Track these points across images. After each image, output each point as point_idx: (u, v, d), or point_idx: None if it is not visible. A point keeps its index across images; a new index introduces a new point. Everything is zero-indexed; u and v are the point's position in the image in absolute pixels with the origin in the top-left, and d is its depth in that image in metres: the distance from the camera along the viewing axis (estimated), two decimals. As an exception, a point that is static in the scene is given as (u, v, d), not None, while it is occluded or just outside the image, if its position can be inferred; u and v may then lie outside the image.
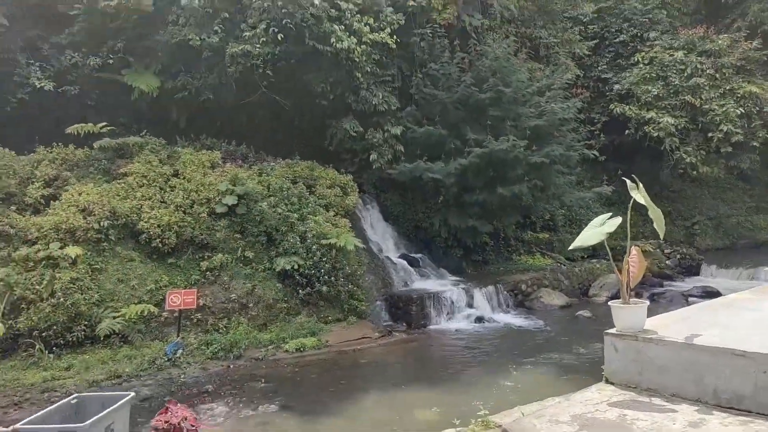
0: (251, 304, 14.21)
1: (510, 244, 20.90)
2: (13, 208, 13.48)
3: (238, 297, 14.14)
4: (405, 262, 18.02)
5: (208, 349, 12.61)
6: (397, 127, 18.46)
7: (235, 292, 14.21)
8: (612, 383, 5.67)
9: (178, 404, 4.00)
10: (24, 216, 13.32)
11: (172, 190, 14.80)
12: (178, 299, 12.58)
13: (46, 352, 11.81)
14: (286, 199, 15.75)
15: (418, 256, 18.72)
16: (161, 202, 14.51)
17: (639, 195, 5.92)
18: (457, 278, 18.20)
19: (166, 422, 3.85)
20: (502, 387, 10.26)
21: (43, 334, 11.95)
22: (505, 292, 17.25)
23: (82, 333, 12.30)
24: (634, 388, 5.45)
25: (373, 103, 17.81)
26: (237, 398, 10.16)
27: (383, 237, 18.97)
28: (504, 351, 12.88)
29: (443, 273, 18.46)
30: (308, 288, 14.76)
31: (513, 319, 15.94)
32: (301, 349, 13.03)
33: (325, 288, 14.74)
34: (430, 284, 17.33)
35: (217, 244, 14.63)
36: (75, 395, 3.24)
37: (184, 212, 14.53)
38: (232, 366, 12.17)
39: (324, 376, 11.36)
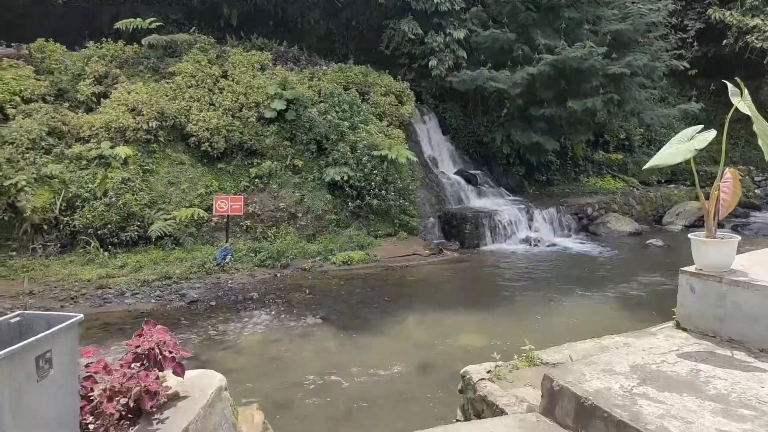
0: (300, 214, 13.96)
1: (578, 164, 19.45)
2: (66, 104, 13.44)
3: (286, 206, 13.89)
4: (462, 179, 17.12)
5: (256, 256, 12.57)
6: (460, 30, 16.86)
7: (283, 200, 13.95)
8: (684, 329, 4.86)
9: (157, 326, 3.51)
10: (76, 113, 13.28)
11: (220, 92, 14.31)
12: (225, 205, 12.43)
13: (102, 249, 12.10)
14: (337, 106, 14.96)
15: (476, 172, 17.72)
16: (210, 104, 14.09)
17: (743, 103, 4.72)
18: (517, 198, 17.20)
19: (136, 347, 3.40)
20: (555, 317, 9.60)
21: (99, 232, 12.18)
22: (569, 216, 16.18)
23: (135, 233, 12.47)
24: (713, 337, 4.62)
25: (435, 1, 16.21)
26: (280, 307, 10.06)
27: (439, 151, 18.00)
28: (561, 278, 12.10)
29: (502, 192, 17.48)
30: (358, 200, 14.29)
31: (575, 245, 14.99)
32: (349, 262, 12.77)
33: (375, 201, 14.22)
34: (488, 203, 16.47)
35: (265, 151, 14.24)
36: (18, 312, 2.84)
37: (233, 116, 14.09)
38: (278, 275, 12.10)
39: (369, 292, 11.07)
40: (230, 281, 11.57)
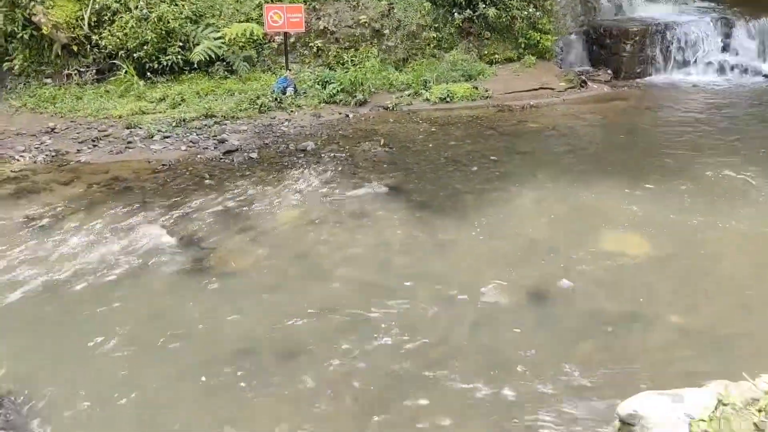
0: (387, 31, 10.39)
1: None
2: None
3: (369, 20, 10.32)
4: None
5: (324, 89, 9.50)
6: None
7: (365, 12, 10.34)
8: None
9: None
10: None
11: None
12: (281, 17, 9.10)
13: (139, 77, 9.68)
14: None
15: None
16: None
17: None
18: (709, 3, 11.76)
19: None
20: (749, 205, 5.68)
21: (135, 55, 9.67)
22: (790, 30, 10.76)
23: (179, 57, 9.76)
24: None
25: None
26: (339, 167, 7.15)
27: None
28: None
29: (685, -6, 12.09)
30: (468, 10, 10.33)
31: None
32: (448, 98, 9.33)
33: (492, 11, 10.21)
34: (661, 11, 11.38)
35: (339, -61, 10.26)
36: None
37: None
38: (350, 115, 9.03)
39: (468, 145, 7.67)
40: (285, 123, 8.73)
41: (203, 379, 3.92)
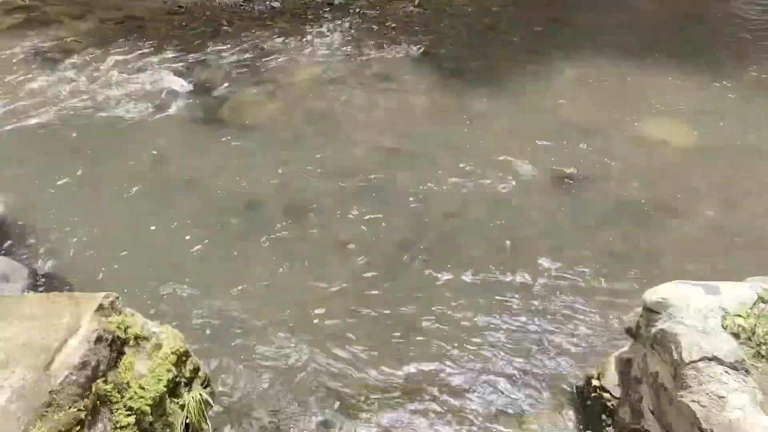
0: None
1: None
2: None
3: None
4: None
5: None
6: None
7: None
8: None
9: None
10: None
11: None
12: None
13: None
14: None
15: None
16: None
17: None
18: None
19: None
20: None
21: None
22: None
23: None
24: None
25: None
26: (367, 24, 6.56)
27: None
28: None
29: None
30: None
31: None
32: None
33: None
34: None
35: None
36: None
37: None
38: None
39: (510, 12, 6.89)
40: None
41: (210, 229, 3.82)
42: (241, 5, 7.03)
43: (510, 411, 2.68)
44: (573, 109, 5.10)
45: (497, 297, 3.33)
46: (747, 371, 1.96)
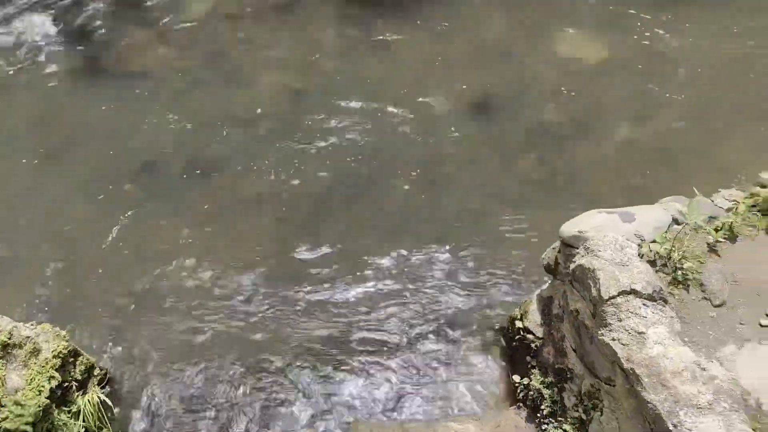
0: None
1: None
2: None
3: None
4: None
5: None
6: None
7: None
8: None
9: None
10: None
11: None
12: None
13: None
14: None
15: None
16: None
17: None
18: None
19: None
20: (716, 18, 5.14)
21: None
22: None
23: None
24: None
25: None
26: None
27: None
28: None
29: None
30: None
31: None
32: None
33: None
34: None
35: None
36: None
37: None
38: None
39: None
40: None
41: (101, 196, 3.43)
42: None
43: (442, 358, 2.63)
44: (486, 31, 4.85)
45: (422, 243, 3.20)
46: (665, 300, 1.93)
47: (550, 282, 2.40)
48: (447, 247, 3.11)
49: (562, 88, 4.22)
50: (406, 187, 3.51)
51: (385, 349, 2.67)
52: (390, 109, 4.09)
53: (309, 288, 2.95)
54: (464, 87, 4.26)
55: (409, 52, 4.64)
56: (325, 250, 3.18)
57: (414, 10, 5.10)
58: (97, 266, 3.07)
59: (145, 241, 3.20)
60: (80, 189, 3.48)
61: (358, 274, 3.01)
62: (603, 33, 4.76)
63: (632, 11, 4.84)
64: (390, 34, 4.80)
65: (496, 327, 2.74)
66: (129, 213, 3.34)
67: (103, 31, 4.75)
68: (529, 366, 2.41)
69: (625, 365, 1.75)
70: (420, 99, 4.18)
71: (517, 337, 2.48)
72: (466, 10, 5.08)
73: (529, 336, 2.41)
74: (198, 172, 3.61)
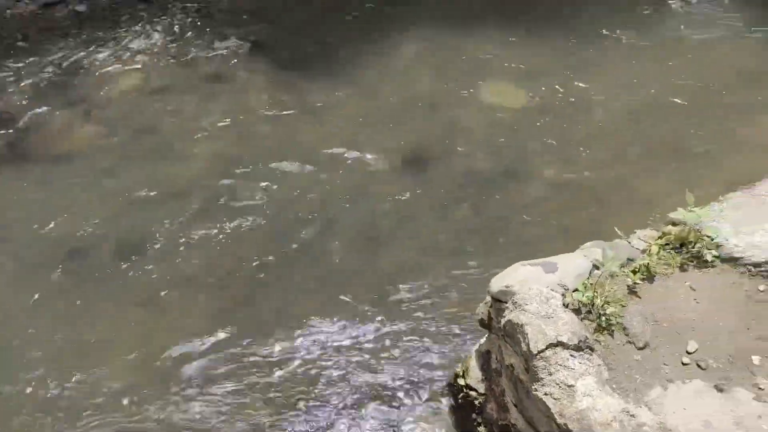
0: None
1: None
2: None
3: None
4: None
5: None
6: None
7: None
8: None
9: None
10: None
11: None
12: None
13: None
14: None
15: None
16: None
17: None
18: None
19: None
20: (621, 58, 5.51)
21: None
22: None
23: None
24: None
25: None
26: (191, 19, 5.99)
27: None
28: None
29: None
30: None
31: None
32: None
33: None
34: None
35: None
36: None
37: None
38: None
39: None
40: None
41: (23, 287, 3.28)
42: (39, 14, 6.13)
43: (387, 426, 2.58)
44: (415, 85, 5.03)
45: (360, 305, 3.18)
46: (591, 349, 1.97)
47: (487, 336, 2.42)
48: (385, 309, 3.09)
49: (489, 136, 4.38)
50: (343, 248, 3.51)
51: (325, 425, 2.59)
52: (325, 170, 4.13)
53: (245, 370, 2.87)
54: (398, 142, 4.36)
55: (342, 112, 4.73)
56: (264, 321, 3.11)
57: (346, 72, 5.23)
58: (24, 359, 2.90)
59: (72, 331, 3.06)
60: (4, 285, 3.32)
61: (296, 344, 2.95)
62: (525, 80, 5.00)
63: (549, 65, 5.11)
64: (323, 95, 4.90)
65: (443, 385, 2.72)
66: (58, 303, 3.20)
67: (25, 114, 4.65)
68: (476, 423, 2.39)
69: (559, 420, 1.76)
70: (354, 157, 4.24)
71: (461, 394, 2.46)
72: (396, 63, 5.26)
73: (472, 393, 2.41)
74: (128, 253, 3.51)
